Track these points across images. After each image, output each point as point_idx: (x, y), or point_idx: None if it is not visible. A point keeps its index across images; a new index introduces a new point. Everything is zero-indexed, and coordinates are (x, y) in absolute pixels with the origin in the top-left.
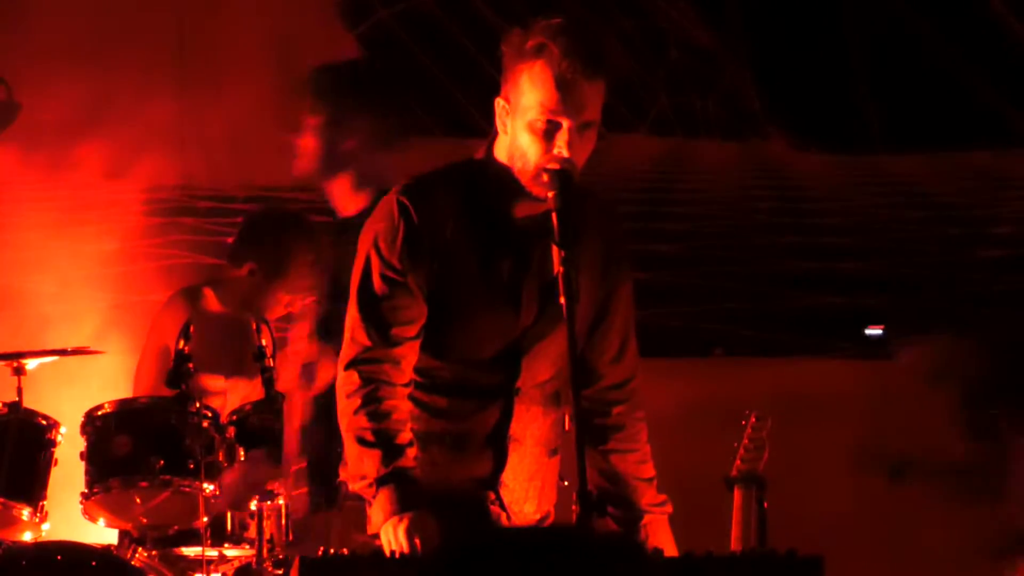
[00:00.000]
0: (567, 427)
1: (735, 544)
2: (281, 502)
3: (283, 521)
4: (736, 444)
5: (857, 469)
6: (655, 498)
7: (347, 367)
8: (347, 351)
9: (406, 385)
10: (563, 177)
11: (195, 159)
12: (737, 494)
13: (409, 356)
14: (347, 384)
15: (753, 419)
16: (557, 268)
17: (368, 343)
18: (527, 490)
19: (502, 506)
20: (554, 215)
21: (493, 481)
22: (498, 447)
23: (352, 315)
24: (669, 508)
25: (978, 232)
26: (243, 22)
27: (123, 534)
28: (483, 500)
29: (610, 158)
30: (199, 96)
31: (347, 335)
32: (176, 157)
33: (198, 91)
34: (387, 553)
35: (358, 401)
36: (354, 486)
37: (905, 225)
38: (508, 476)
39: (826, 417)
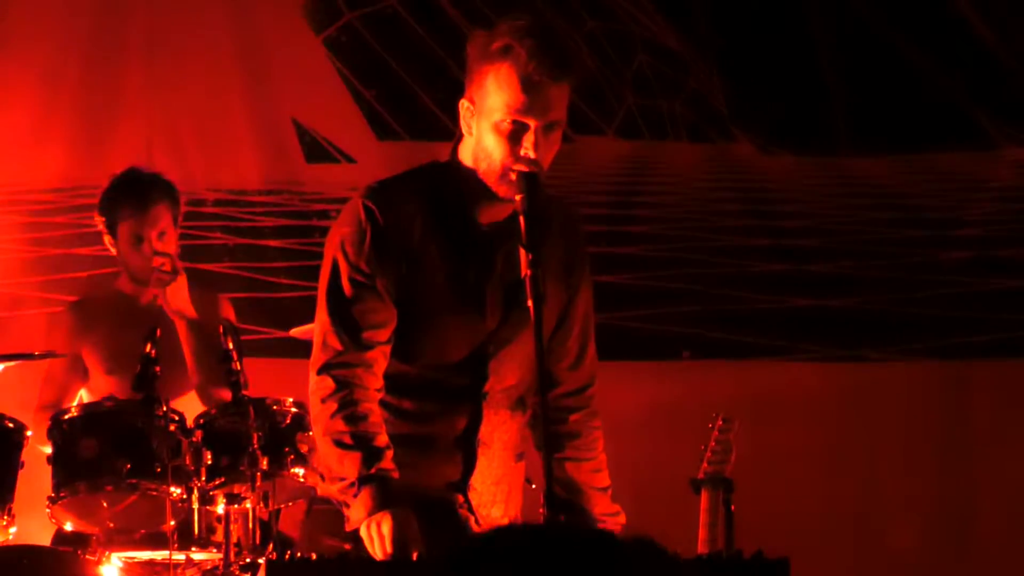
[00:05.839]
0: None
1: (702, 547)
2: (248, 505)
3: (250, 524)
4: (703, 446)
5: (824, 471)
6: (608, 507)
7: (320, 372)
8: (319, 356)
9: (379, 390)
10: (531, 180)
11: (162, 162)
12: (704, 496)
13: (380, 361)
14: (321, 389)
15: (720, 421)
16: (525, 271)
17: (340, 347)
18: (494, 494)
19: (470, 509)
20: (521, 218)
21: (462, 484)
22: (467, 451)
23: (322, 319)
24: (622, 519)
25: (945, 234)
26: (212, 27)
27: (57, 537)
28: (452, 503)
29: (577, 161)
30: (166, 99)
31: (318, 340)
32: (143, 160)
33: (165, 94)
34: (368, 548)
35: (334, 405)
36: (330, 488)
37: (873, 227)
38: (476, 480)
39: (793, 419)
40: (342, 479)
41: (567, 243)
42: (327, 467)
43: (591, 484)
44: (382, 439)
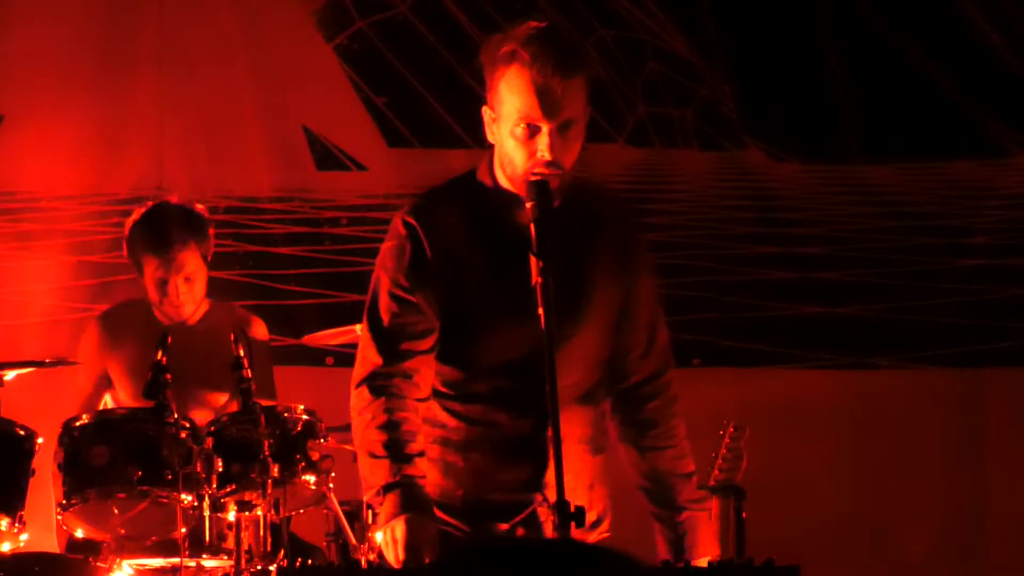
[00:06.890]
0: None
1: None
2: (259, 512)
3: (262, 532)
4: (714, 454)
5: (836, 478)
6: (693, 494)
7: (358, 385)
8: (359, 370)
9: (421, 400)
10: (540, 187)
11: (174, 170)
12: (715, 504)
13: (422, 370)
14: (359, 401)
15: (731, 429)
16: (535, 279)
17: (379, 360)
18: (574, 489)
19: (551, 507)
20: (531, 226)
21: (538, 483)
22: (539, 450)
23: (363, 335)
24: (709, 504)
25: (956, 242)
26: (223, 33)
27: (70, 545)
28: (530, 503)
29: (587, 168)
30: (177, 106)
31: (359, 354)
32: (154, 168)
33: (176, 101)
34: (384, 553)
35: (368, 416)
36: (366, 497)
37: (883, 235)
38: (551, 477)
39: (804, 427)
40: (372, 487)
41: (618, 235)
42: (363, 476)
43: (674, 471)
44: (413, 447)
